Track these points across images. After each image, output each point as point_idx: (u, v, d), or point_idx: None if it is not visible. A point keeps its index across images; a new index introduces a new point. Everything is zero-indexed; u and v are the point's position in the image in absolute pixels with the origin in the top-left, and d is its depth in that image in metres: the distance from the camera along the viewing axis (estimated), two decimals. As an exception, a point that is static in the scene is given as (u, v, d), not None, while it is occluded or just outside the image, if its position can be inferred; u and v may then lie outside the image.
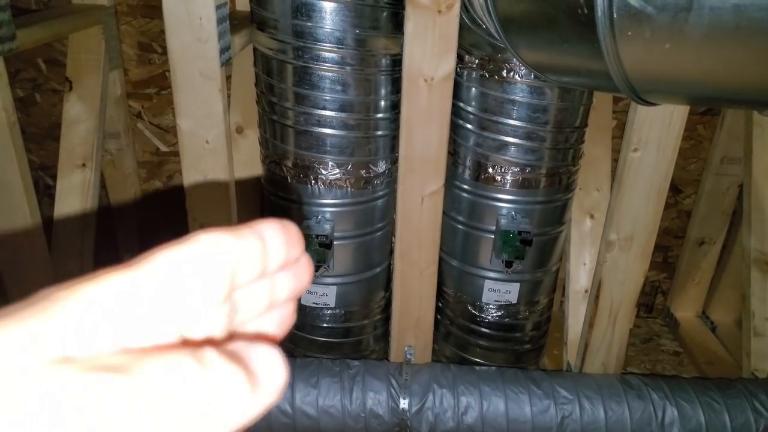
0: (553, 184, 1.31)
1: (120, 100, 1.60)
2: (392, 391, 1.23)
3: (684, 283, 1.75)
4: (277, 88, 1.22)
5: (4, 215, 1.27)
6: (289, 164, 1.27)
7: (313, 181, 1.26)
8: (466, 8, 1.10)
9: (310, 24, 1.13)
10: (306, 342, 1.45)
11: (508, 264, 1.31)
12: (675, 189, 1.68)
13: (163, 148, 1.69)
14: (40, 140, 1.71)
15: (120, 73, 1.58)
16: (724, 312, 1.76)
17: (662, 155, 1.13)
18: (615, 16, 0.62)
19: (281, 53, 1.18)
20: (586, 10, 0.65)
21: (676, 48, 0.61)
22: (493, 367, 1.31)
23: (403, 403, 1.22)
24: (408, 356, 1.34)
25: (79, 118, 1.45)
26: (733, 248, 1.68)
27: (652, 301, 1.82)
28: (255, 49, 1.26)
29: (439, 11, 1.02)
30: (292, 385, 1.23)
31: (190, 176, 1.20)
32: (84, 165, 1.45)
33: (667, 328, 1.78)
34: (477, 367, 1.30)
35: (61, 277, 0.18)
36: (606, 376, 1.31)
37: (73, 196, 1.45)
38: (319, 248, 1.26)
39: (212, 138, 1.16)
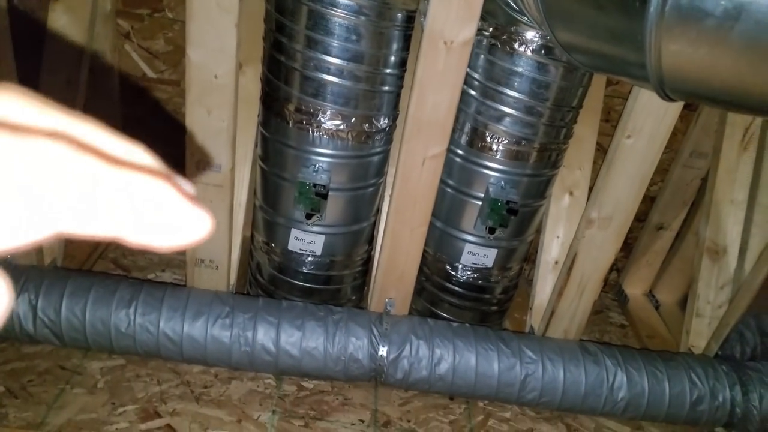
0: (542, 159, 1.37)
1: (109, 17, 1.53)
2: (373, 338, 1.29)
3: (637, 263, 1.88)
4: (289, 28, 1.20)
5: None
6: (292, 108, 1.27)
7: (314, 129, 1.27)
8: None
9: (331, -32, 1.12)
10: (287, 286, 1.48)
11: (491, 230, 1.38)
12: (643, 174, 1.79)
13: (150, 74, 1.63)
14: (17, 50, 1.61)
15: (111, -14, 1.50)
16: (668, 292, 1.91)
17: (652, 144, 1.20)
18: (666, 12, 0.66)
19: (298, -7, 1.16)
20: (638, 3, 0.69)
21: (717, 52, 0.66)
22: (467, 324, 1.38)
23: (382, 351, 1.28)
24: (388, 308, 1.39)
25: (65, 32, 1.37)
26: (686, 236, 1.81)
27: (606, 277, 1.94)
28: (269, -14, 1.23)
29: (469, -25, 1.03)
30: (277, 325, 1.26)
31: (193, 111, 1.18)
32: (69, 82, 1.39)
33: (617, 303, 1.92)
34: (452, 323, 1.37)
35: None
36: (567, 341, 1.41)
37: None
38: (315, 197, 1.28)
39: (222, 73, 1.15)
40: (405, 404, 1.36)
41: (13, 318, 1.23)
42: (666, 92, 0.77)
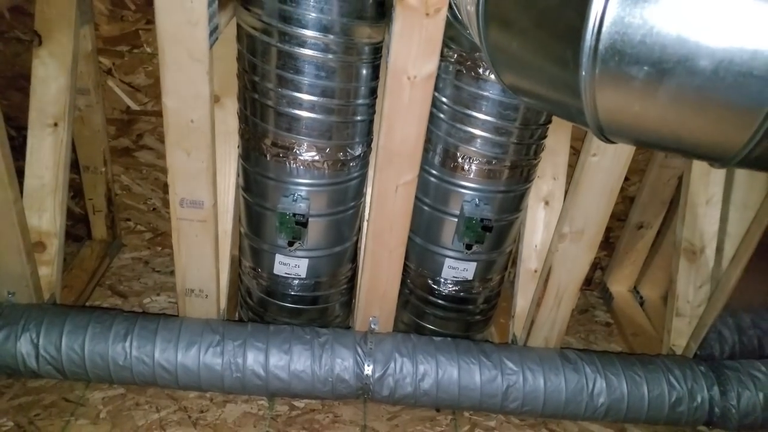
0: (514, 176, 1.41)
1: (90, 56, 1.57)
2: (358, 358, 1.34)
3: (621, 261, 1.93)
4: (260, 68, 1.24)
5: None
6: (268, 143, 1.31)
7: (291, 162, 1.32)
8: (450, 5, 1.15)
9: (297, 10, 1.15)
10: (276, 308, 1.54)
11: (468, 246, 1.42)
12: (622, 176, 1.82)
13: (134, 107, 1.68)
14: (2, 90, 1.66)
15: (91, 28, 1.55)
16: (652, 288, 1.95)
17: (617, 161, 1.24)
18: (596, 75, 0.70)
19: (266, 35, 1.20)
20: (572, 64, 0.73)
21: (647, 107, 0.70)
22: (449, 338, 1.44)
23: (368, 370, 1.34)
24: (372, 326, 1.45)
25: (49, 76, 1.42)
26: (666, 233, 1.85)
27: (591, 276, 1.99)
28: (239, 26, 1.27)
29: (427, 14, 1.07)
30: (266, 351, 1.32)
31: (173, 153, 1.23)
32: (56, 124, 1.45)
33: (602, 301, 1.96)
34: (435, 338, 1.43)
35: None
36: (547, 350, 1.46)
37: (45, 156, 1.44)
38: (295, 226, 1.33)
39: (197, 118, 1.19)
40: (393, 418, 1.42)
41: (17, 357, 1.29)
42: (606, 137, 0.81)
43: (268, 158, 1.33)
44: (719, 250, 1.59)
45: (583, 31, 0.66)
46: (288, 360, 1.33)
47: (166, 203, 1.84)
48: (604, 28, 0.64)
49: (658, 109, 0.70)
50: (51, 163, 1.45)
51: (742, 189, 1.56)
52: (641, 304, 1.94)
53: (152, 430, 1.32)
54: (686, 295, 1.60)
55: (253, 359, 1.32)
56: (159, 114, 1.69)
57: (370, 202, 1.32)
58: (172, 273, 1.83)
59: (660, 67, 0.65)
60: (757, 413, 1.40)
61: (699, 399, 1.40)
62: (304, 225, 1.33)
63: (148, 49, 1.59)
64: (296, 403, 1.42)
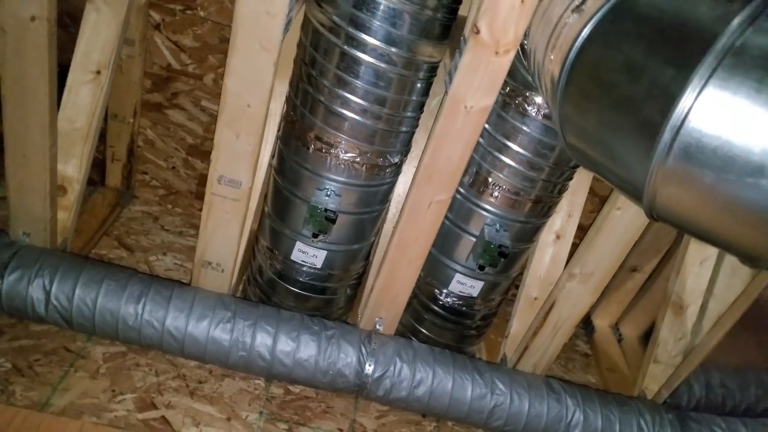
0: (536, 210, 1.47)
1: (142, 9, 1.56)
2: (361, 357, 1.39)
3: (608, 298, 2.02)
4: (320, 63, 1.26)
5: (25, 119, 1.26)
6: (312, 136, 1.34)
7: (332, 158, 1.34)
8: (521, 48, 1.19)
9: (370, 18, 1.17)
10: (284, 291, 1.57)
11: (481, 267, 1.48)
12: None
13: (176, 66, 1.67)
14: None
15: (147, -20, 1.53)
16: (632, 327, 2.05)
17: (639, 216, 1.31)
18: (666, 165, 0.75)
19: (333, 34, 1.22)
20: (643, 153, 0.77)
21: (703, 204, 0.76)
22: (447, 351, 1.50)
23: (368, 369, 1.39)
24: (378, 326, 1.50)
25: (101, 23, 1.41)
26: (656, 279, 1.94)
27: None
28: (307, 17, 1.28)
29: (497, 52, 1.11)
30: (274, 335, 1.36)
31: (223, 132, 1.25)
32: (98, 72, 1.44)
33: (584, 332, 2.06)
34: (434, 348, 1.49)
35: None
36: (535, 377, 1.54)
37: (82, 102, 1.43)
38: (324, 221, 1.36)
39: (254, 104, 1.21)
40: (381, 417, 1.48)
41: (27, 300, 1.30)
42: (654, 217, 0.87)
43: (309, 150, 1.35)
44: (703, 308, 1.68)
45: (663, 126, 0.70)
46: (294, 347, 1.37)
47: (186, 164, 1.84)
48: (683, 131, 0.69)
49: (713, 210, 0.76)
50: (87, 110, 1.44)
51: (733, 257, 1.65)
52: (619, 341, 2.04)
53: (149, 393, 1.35)
54: (666, 344, 1.69)
55: (260, 341, 1.36)
56: (199, 77, 1.68)
57: (402, 212, 1.36)
58: (181, 234, 1.84)
59: (725, 177, 0.71)
60: (713, 466, 1.51)
61: (663, 444, 1.50)
62: (333, 221, 1.37)
63: (201, 13, 1.58)
64: (292, 389, 1.47)
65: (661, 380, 1.67)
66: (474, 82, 1.14)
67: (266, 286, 1.60)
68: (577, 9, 0.86)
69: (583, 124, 0.85)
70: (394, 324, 1.54)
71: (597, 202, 1.89)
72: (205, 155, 1.81)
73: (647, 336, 1.99)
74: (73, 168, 1.47)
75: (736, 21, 0.65)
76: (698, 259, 1.66)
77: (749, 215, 0.73)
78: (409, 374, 1.42)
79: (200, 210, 1.43)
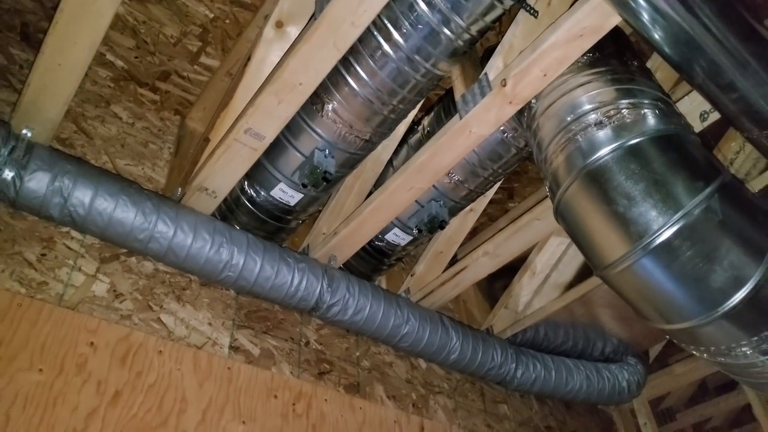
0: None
1: None
2: (322, 288, 1.73)
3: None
4: (356, 48, 1.46)
5: None
6: (330, 108, 1.54)
7: (339, 124, 1.56)
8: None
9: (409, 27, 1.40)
10: (250, 214, 1.79)
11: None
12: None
13: None
14: None
15: None
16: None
17: (551, 225, 1.81)
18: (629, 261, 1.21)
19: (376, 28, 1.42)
20: (620, 241, 1.22)
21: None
22: (380, 288, 1.91)
23: (326, 297, 1.74)
24: (332, 262, 1.84)
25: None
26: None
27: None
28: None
29: (510, 102, 1.43)
30: (261, 263, 1.63)
31: (268, 96, 1.41)
32: None
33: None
34: (371, 285, 1.89)
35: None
36: (432, 313, 2.03)
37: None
38: (320, 180, 1.61)
39: (307, 83, 1.39)
40: (319, 330, 1.87)
41: (42, 201, 1.37)
42: (558, 220, 1.34)
43: (320, 115, 1.56)
44: (547, 277, 2.32)
45: (636, 246, 1.15)
46: (273, 273, 1.66)
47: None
48: (647, 245, 1.14)
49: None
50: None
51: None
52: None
53: (145, 296, 1.54)
54: (517, 297, 2.31)
55: (247, 267, 1.61)
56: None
57: (385, 187, 1.67)
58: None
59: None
60: (528, 384, 2.20)
61: (503, 368, 2.15)
62: (328, 181, 1.63)
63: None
64: (256, 301, 1.77)
65: (507, 323, 2.30)
66: (484, 117, 1.46)
67: (234, 204, 1.80)
68: (600, 125, 1.23)
69: (578, 215, 1.26)
70: (343, 261, 1.89)
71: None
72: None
73: (491, 279, 2.62)
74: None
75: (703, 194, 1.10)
76: (557, 241, 2.26)
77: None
78: (353, 304, 1.80)
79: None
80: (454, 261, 2.15)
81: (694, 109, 1.54)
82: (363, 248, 2.01)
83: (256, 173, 1.70)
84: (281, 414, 1.57)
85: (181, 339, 1.53)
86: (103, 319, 1.42)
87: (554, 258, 2.26)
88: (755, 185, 1.79)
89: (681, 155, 1.20)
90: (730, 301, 1.16)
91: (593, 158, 1.22)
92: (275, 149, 1.62)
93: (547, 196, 1.56)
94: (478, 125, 1.48)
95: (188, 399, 1.42)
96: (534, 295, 2.31)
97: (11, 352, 1.23)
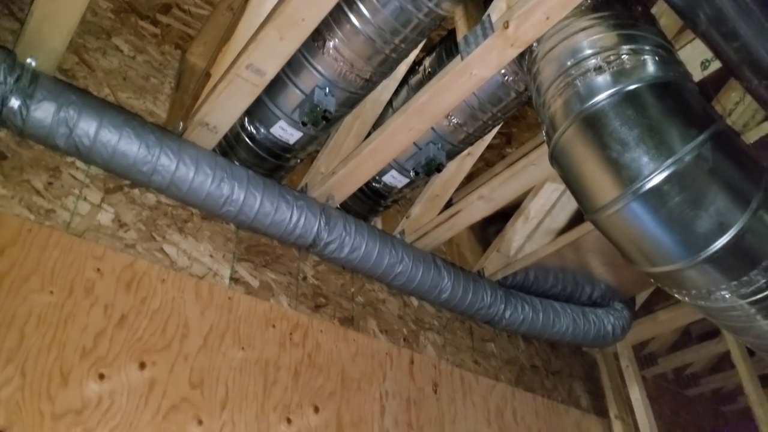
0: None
1: None
2: (320, 225, 1.78)
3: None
4: (361, -11, 1.45)
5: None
6: (331, 45, 1.55)
7: (341, 64, 1.57)
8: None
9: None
10: (250, 151, 1.81)
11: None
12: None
13: None
14: None
15: None
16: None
17: (545, 171, 1.84)
18: (620, 203, 1.25)
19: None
20: (611, 188, 1.26)
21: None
22: (375, 228, 1.96)
23: (323, 234, 1.79)
24: (329, 201, 1.88)
25: None
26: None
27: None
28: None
29: (512, 45, 1.44)
30: (260, 199, 1.66)
31: (270, 31, 1.41)
32: None
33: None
34: (366, 224, 1.93)
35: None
36: (426, 254, 2.09)
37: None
38: (320, 118, 1.62)
39: (309, 19, 1.39)
40: (316, 266, 1.93)
41: (49, 131, 1.39)
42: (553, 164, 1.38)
43: (321, 53, 1.57)
44: (540, 223, 2.37)
45: (626, 190, 1.19)
46: (273, 209, 1.70)
47: None
48: (637, 191, 1.18)
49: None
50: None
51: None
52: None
53: (148, 226, 1.58)
54: (510, 242, 2.37)
55: (248, 202, 1.65)
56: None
57: (384, 127, 1.69)
58: (145, 67, 1.90)
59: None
60: (516, 324, 2.28)
61: (492, 308, 2.22)
62: (328, 120, 1.65)
63: None
64: (256, 236, 1.81)
65: (498, 266, 2.37)
66: (486, 59, 1.47)
67: (234, 140, 1.82)
68: (599, 70, 1.25)
69: (572, 160, 1.29)
70: (341, 200, 1.93)
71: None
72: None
73: (485, 225, 2.68)
74: None
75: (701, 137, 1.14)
76: (552, 188, 2.29)
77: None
78: (349, 242, 1.86)
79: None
80: (449, 205, 2.19)
81: (696, 58, 1.55)
82: (360, 189, 2.05)
83: (257, 110, 1.72)
84: (279, 342, 1.65)
85: (183, 269, 1.58)
86: (108, 247, 1.46)
87: (548, 204, 2.31)
88: (752, 136, 1.82)
89: (677, 103, 1.22)
90: (713, 246, 1.21)
91: (590, 103, 1.24)
92: (276, 86, 1.63)
93: (543, 142, 1.59)
94: (479, 67, 1.49)
95: (190, 325, 1.49)
96: (526, 240, 2.37)
97: (23, 274, 1.28)
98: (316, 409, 1.62)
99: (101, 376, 1.29)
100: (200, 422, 1.39)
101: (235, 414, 1.45)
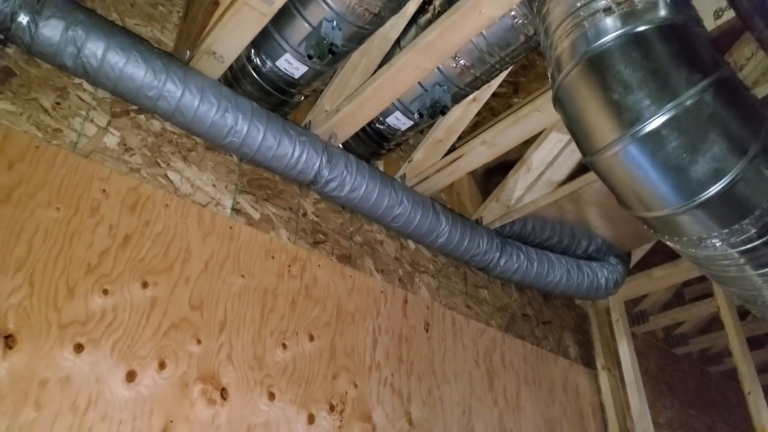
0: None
1: None
2: (321, 163, 1.80)
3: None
4: None
5: None
6: (341, -23, 1.54)
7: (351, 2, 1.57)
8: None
9: None
10: (255, 84, 1.81)
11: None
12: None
13: None
14: None
15: None
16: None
17: (548, 118, 1.84)
18: (618, 147, 1.26)
19: None
20: (610, 129, 1.27)
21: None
22: (376, 169, 1.98)
23: (324, 172, 1.81)
24: (332, 140, 1.89)
25: None
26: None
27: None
28: None
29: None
30: (264, 132, 1.68)
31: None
32: None
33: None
34: (367, 165, 1.95)
35: None
36: (425, 198, 2.12)
37: None
38: (326, 51, 1.62)
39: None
40: (317, 203, 1.96)
41: (57, 50, 1.39)
42: (557, 106, 1.40)
43: (330, -11, 1.55)
44: (542, 174, 2.38)
45: (626, 132, 1.21)
46: (276, 143, 1.71)
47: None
48: (635, 134, 1.20)
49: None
50: None
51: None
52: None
53: (153, 152, 1.61)
54: (510, 191, 2.39)
55: (251, 134, 1.67)
56: None
57: (389, 65, 1.68)
58: None
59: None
60: (510, 273, 2.33)
61: (487, 255, 2.26)
62: (334, 54, 1.64)
63: None
64: (258, 170, 1.84)
65: (496, 214, 2.39)
66: (495, -2, 1.46)
67: (240, 73, 1.82)
68: (609, 11, 1.24)
69: (574, 101, 1.29)
70: (344, 139, 1.94)
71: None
72: None
73: (486, 175, 2.70)
74: None
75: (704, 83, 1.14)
76: (556, 138, 2.30)
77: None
78: (350, 182, 1.88)
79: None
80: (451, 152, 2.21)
81: (709, 6, 1.53)
82: (363, 131, 2.06)
83: (263, 42, 1.71)
84: (277, 273, 1.69)
85: (187, 196, 1.61)
86: (114, 169, 1.49)
87: (551, 155, 2.32)
88: (762, 92, 1.81)
89: (683, 46, 1.22)
90: (707, 192, 1.23)
91: (597, 44, 1.24)
92: (283, 17, 1.62)
93: (549, 89, 1.59)
94: (489, 6, 1.48)
95: (192, 250, 1.53)
96: (526, 191, 2.38)
97: (31, 190, 1.31)
98: (311, 338, 1.68)
99: (105, 292, 1.34)
100: (199, 341, 1.44)
101: (233, 336, 1.51)
